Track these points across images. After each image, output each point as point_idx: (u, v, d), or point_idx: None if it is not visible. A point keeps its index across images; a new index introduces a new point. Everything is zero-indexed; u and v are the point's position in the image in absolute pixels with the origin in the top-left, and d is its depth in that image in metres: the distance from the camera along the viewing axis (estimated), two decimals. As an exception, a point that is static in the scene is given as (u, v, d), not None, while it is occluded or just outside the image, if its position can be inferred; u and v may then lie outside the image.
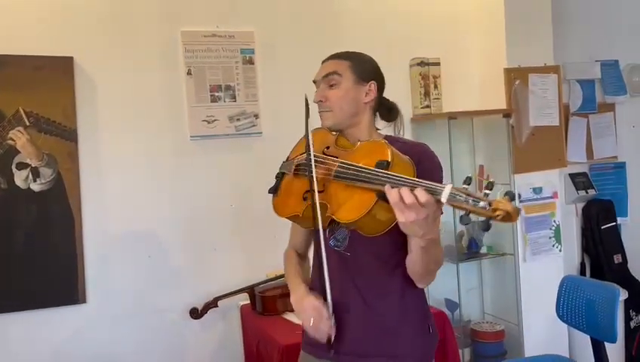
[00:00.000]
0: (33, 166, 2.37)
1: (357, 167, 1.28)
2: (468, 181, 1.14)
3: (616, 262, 3.49)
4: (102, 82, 2.52)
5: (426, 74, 3.11)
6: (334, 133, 1.49)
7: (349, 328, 1.41)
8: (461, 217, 1.10)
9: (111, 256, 2.51)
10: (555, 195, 3.22)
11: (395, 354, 1.41)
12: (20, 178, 2.36)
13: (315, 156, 1.40)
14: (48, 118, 2.40)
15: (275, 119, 2.78)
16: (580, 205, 3.55)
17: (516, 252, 3.10)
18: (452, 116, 2.95)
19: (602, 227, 3.49)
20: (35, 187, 2.38)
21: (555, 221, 3.21)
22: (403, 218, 1.14)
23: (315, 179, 1.36)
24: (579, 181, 3.49)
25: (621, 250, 3.52)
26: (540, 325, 3.09)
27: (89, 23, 2.50)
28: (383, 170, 1.21)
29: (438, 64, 3.13)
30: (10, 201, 2.34)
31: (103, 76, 2.52)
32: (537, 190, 3.17)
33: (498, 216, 1.03)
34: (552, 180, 3.22)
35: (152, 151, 2.59)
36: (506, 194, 1.07)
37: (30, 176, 2.37)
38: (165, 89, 2.63)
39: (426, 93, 3.11)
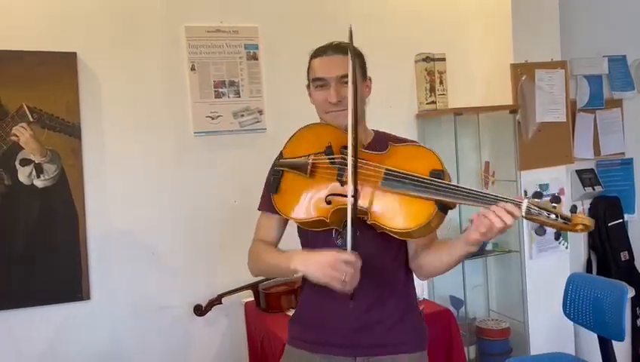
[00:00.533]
0: (37, 162, 2.37)
1: (411, 176, 1.28)
2: (538, 195, 1.25)
3: (623, 259, 3.46)
4: (105, 78, 2.51)
5: (432, 69, 3.08)
6: (341, 130, 1.39)
7: (371, 323, 1.41)
8: (536, 230, 1.25)
9: (115, 253, 2.50)
10: (561, 192, 3.19)
11: (402, 341, 1.44)
12: (23, 174, 2.35)
13: (359, 160, 1.31)
14: (52, 114, 2.39)
15: (280, 115, 2.76)
16: (587, 202, 3.51)
17: (522, 249, 3.07)
18: (458, 112, 2.92)
19: (609, 224, 3.46)
20: (39, 183, 2.37)
21: (561, 218, 3.18)
22: (491, 234, 1.20)
23: (353, 184, 1.25)
24: (586, 177, 3.46)
25: (628, 247, 3.49)
26: (546, 323, 3.07)
27: (92, 19, 2.49)
28: (443, 181, 1.26)
29: (443, 59, 3.10)
30: (13, 197, 2.33)
31: (106, 72, 2.51)
32: (544, 187, 3.15)
33: (580, 229, 1.17)
34: (559, 177, 3.19)
35: (155, 147, 2.58)
36: (572, 210, 1.20)
37: (34, 172, 2.36)
38: (169, 85, 2.62)
39: (432, 89, 3.08)
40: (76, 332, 2.44)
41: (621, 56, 3.57)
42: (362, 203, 1.30)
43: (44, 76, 2.37)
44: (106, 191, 2.50)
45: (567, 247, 3.19)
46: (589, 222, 1.16)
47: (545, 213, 1.17)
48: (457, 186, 1.24)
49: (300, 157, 1.40)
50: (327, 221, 1.33)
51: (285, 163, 1.41)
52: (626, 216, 3.53)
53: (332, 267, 1.23)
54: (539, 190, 3.09)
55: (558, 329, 3.08)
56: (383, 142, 1.43)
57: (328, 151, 1.37)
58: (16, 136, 2.34)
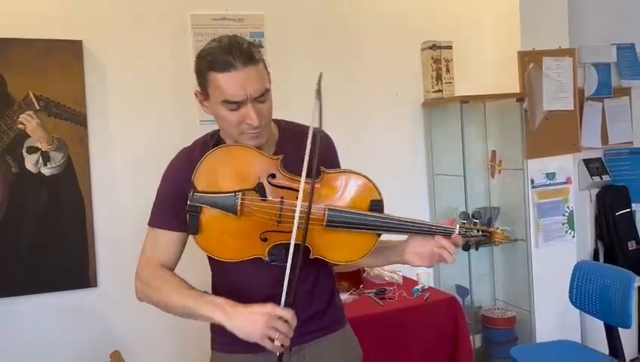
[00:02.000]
0: (43, 150, 2.38)
1: (356, 215, 1.24)
2: (464, 216, 1.39)
3: (630, 248, 3.44)
4: (111, 65, 2.51)
5: (438, 57, 3.07)
6: (268, 154, 1.26)
7: (300, 312, 1.29)
8: (464, 246, 1.35)
9: (122, 240, 2.51)
10: (568, 181, 3.18)
11: (334, 321, 1.42)
12: (30, 162, 2.36)
13: (283, 200, 1.21)
14: (58, 102, 2.40)
15: (285, 103, 2.74)
16: (594, 191, 3.50)
17: (528, 238, 3.07)
18: (464, 100, 2.91)
19: (616, 213, 3.44)
20: (46, 171, 2.38)
21: (568, 207, 3.17)
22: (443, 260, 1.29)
23: (296, 227, 1.16)
24: (593, 167, 3.44)
25: (635, 237, 3.47)
26: (552, 311, 3.06)
27: (98, 6, 2.48)
28: (385, 216, 1.26)
29: (450, 47, 3.08)
30: (21, 185, 2.34)
31: (112, 59, 2.51)
32: (551, 175, 3.13)
33: (499, 242, 1.37)
34: (566, 166, 3.18)
35: (161, 135, 2.58)
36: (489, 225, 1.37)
37: (41, 160, 2.37)
38: (175, 72, 2.61)
39: (438, 77, 3.07)
40: (83, 319, 2.46)
41: (630, 44, 3.54)
42: (289, 238, 1.20)
43: (51, 64, 2.37)
44: (113, 179, 2.51)
45: (574, 236, 3.18)
46: (504, 237, 1.37)
47: (473, 231, 1.32)
48: (395, 219, 1.28)
49: (222, 193, 1.20)
50: (266, 258, 1.24)
51: (205, 200, 1.20)
52: (633, 205, 3.51)
53: (266, 326, 1.13)
54: (544, 179, 3.09)
55: (564, 318, 3.08)
56: (291, 142, 1.31)
57: (260, 190, 1.21)
58: (23, 125, 2.35)
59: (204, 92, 1.25)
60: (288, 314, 1.15)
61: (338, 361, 1.39)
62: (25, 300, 2.36)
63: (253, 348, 1.21)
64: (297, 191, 1.19)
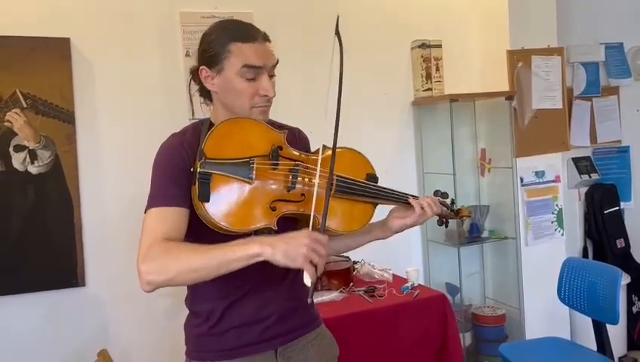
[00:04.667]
0: (31, 148, 2.36)
1: (359, 183, 1.35)
2: (439, 193, 1.53)
3: (619, 246, 3.46)
4: (99, 63, 2.50)
5: (428, 56, 3.08)
6: (273, 127, 1.30)
7: (277, 309, 1.33)
8: (438, 220, 1.55)
9: (110, 239, 2.50)
10: (557, 179, 3.20)
11: (313, 317, 1.43)
12: (17, 160, 2.34)
13: (304, 165, 1.27)
14: (45, 100, 2.38)
15: (275, 100, 2.75)
16: (583, 189, 3.52)
17: (518, 236, 3.08)
18: (454, 98, 2.91)
19: (605, 211, 3.46)
20: (33, 169, 2.36)
21: (557, 205, 3.19)
22: (419, 222, 1.44)
23: (315, 191, 1.21)
24: (582, 165, 3.47)
25: (624, 235, 3.50)
26: (542, 309, 3.08)
27: (86, 4, 2.47)
28: (381, 186, 1.39)
29: (440, 46, 3.09)
30: (8, 184, 2.32)
31: (100, 57, 2.49)
32: (540, 174, 3.15)
33: (464, 217, 1.59)
34: (555, 164, 3.20)
35: (151, 133, 2.54)
36: (441, 194, 1.53)
37: (28, 158, 2.35)
38: (164, 71, 2.60)
39: (428, 76, 3.08)
40: (71, 319, 2.44)
41: (618, 44, 3.56)
42: (300, 207, 1.25)
43: (38, 62, 2.36)
44: (101, 178, 2.50)
45: (563, 234, 3.20)
46: (469, 212, 1.60)
47: (445, 208, 1.51)
48: (388, 189, 1.41)
49: (237, 158, 1.22)
50: (274, 229, 1.22)
51: (218, 167, 1.19)
52: (622, 203, 3.54)
53: (310, 248, 1.11)
54: (533, 177, 3.10)
55: (554, 315, 3.10)
56: (291, 136, 1.35)
57: (274, 155, 1.24)
58: (10, 122, 2.33)
59: (216, 66, 1.27)
60: (326, 238, 1.16)
61: (320, 359, 1.40)
62: (12, 299, 2.34)
63: (233, 353, 1.27)
64: (302, 162, 1.28)
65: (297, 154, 1.30)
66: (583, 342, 2.81)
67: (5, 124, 2.32)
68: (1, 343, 2.33)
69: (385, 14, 3.02)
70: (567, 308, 2.88)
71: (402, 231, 1.46)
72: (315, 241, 1.12)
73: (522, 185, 3.10)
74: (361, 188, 1.35)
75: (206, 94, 1.37)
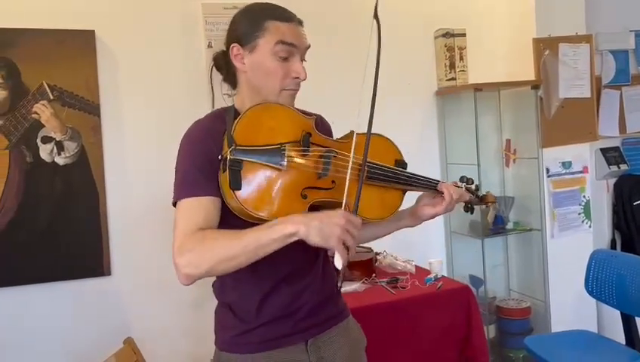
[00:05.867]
0: (57, 139, 2.40)
1: (390, 169, 1.34)
2: (464, 179, 1.53)
3: (648, 239, 3.38)
4: (123, 55, 2.52)
5: (452, 45, 3.03)
6: (302, 112, 1.28)
7: (308, 300, 1.32)
8: (464, 207, 1.53)
9: (135, 229, 2.53)
10: (585, 170, 3.13)
11: (343, 306, 1.43)
12: (45, 151, 2.38)
13: (335, 151, 1.24)
14: (71, 92, 2.41)
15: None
16: (612, 181, 3.44)
17: (544, 228, 3.03)
18: (478, 88, 2.87)
19: (635, 203, 3.37)
20: (60, 160, 2.40)
21: (584, 196, 3.12)
22: (448, 210, 1.43)
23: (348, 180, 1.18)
24: (610, 156, 3.38)
25: (654, 227, 3.41)
26: (568, 302, 3.03)
27: (110, -4, 2.50)
28: (411, 173, 1.38)
29: (463, 35, 3.04)
30: (36, 174, 2.37)
31: (124, 49, 2.52)
32: (567, 164, 3.09)
33: (491, 203, 1.57)
34: (583, 154, 3.13)
35: (173, 124, 2.55)
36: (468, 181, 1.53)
37: (55, 149, 2.39)
38: (186, 62, 2.62)
39: (452, 66, 3.03)
40: (97, 307, 2.48)
41: (649, 31, 3.46)
42: (329, 195, 1.22)
43: (64, 54, 2.39)
44: (126, 169, 2.53)
45: (590, 226, 3.13)
46: (494, 198, 1.58)
47: (471, 194, 1.50)
48: (416, 175, 1.40)
49: (268, 145, 1.18)
50: None
51: (250, 154, 1.17)
52: (652, 195, 3.45)
53: (344, 229, 1.09)
54: (560, 168, 3.04)
55: (580, 308, 3.04)
56: (318, 121, 1.32)
57: (306, 142, 1.21)
58: (37, 114, 2.37)
59: (248, 43, 1.26)
60: (359, 221, 1.14)
61: (349, 350, 1.39)
62: (39, 289, 2.39)
63: (267, 344, 1.26)
64: (332, 148, 1.25)
65: (327, 140, 1.28)
66: (611, 336, 2.75)
67: (33, 115, 2.37)
68: (30, 331, 2.39)
69: (408, 3, 2.99)
70: (593, 301, 2.83)
71: (432, 219, 1.45)
72: (349, 223, 1.10)
73: (548, 176, 3.04)
74: (393, 175, 1.34)
75: (231, 80, 1.34)
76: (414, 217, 1.45)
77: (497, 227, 3.07)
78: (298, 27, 1.28)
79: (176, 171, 1.27)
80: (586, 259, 2.68)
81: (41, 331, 2.40)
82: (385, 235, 1.50)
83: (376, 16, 1.25)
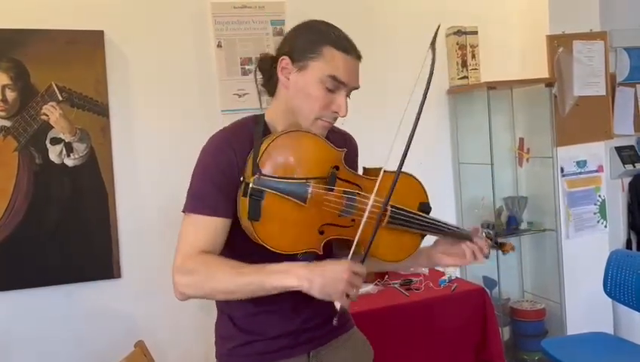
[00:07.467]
0: (67, 141, 2.38)
1: (412, 215, 1.28)
2: (484, 231, 1.54)
3: (665, 239, 3.32)
4: (132, 56, 2.50)
5: (464, 43, 2.99)
6: (330, 143, 1.21)
7: (310, 313, 1.29)
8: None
9: (145, 231, 2.50)
10: (600, 169, 3.08)
11: (345, 320, 1.39)
12: (54, 153, 2.36)
13: (360, 193, 1.20)
14: (80, 93, 2.39)
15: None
16: (627, 180, 3.38)
17: (558, 228, 2.98)
18: (491, 86, 2.82)
19: (650, 203, 3.32)
20: (69, 162, 2.38)
21: (600, 196, 3.07)
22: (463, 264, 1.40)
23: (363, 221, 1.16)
24: (626, 154, 3.33)
25: (670, 227, 3.35)
26: (583, 303, 2.97)
27: (119, -4, 2.47)
28: (435, 219, 1.33)
29: (475, 33, 3.00)
30: (45, 176, 2.35)
31: (133, 50, 2.50)
32: (581, 163, 3.04)
33: (507, 251, 1.51)
34: (597, 153, 3.08)
35: (183, 125, 2.56)
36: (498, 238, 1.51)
37: (64, 150, 2.37)
38: (196, 62, 2.59)
39: (463, 64, 2.99)
40: (108, 310, 2.46)
41: (664, 28, 3.41)
42: (345, 233, 1.20)
43: (72, 55, 2.37)
44: (135, 170, 2.50)
45: (606, 226, 3.08)
46: (512, 247, 1.52)
47: (490, 243, 1.44)
48: (440, 221, 1.35)
49: (293, 178, 1.14)
50: (319, 253, 1.17)
51: (273, 184, 1.12)
52: (668, 194, 3.39)
53: (347, 284, 1.09)
54: (574, 167, 3.00)
55: (596, 310, 2.99)
56: (336, 143, 1.24)
57: (332, 180, 1.17)
58: (46, 115, 2.35)
59: (299, 62, 1.21)
60: (363, 269, 1.13)
61: (352, 360, 1.36)
62: (48, 291, 2.37)
63: (266, 356, 1.24)
64: (358, 185, 1.21)
65: (354, 176, 1.23)
66: (628, 337, 2.70)
67: (42, 117, 2.35)
68: (40, 333, 2.37)
69: (419, 1, 2.95)
70: (609, 302, 2.78)
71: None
72: (353, 276, 1.10)
73: (563, 176, 2.99)
74: (416, 221, 1.29)
75: (270, 88, 1.29)
76: (430, 261, 1.41)
77: (510, 227, 3.03)
78: (355, 61, 1.23)
79: (192, 177, 1.24)
80: (602, 260, 2.63)
81: (51, 333, 2.38)
82: (394, 271, 1.48)
83: (433, 44, 1.20)
